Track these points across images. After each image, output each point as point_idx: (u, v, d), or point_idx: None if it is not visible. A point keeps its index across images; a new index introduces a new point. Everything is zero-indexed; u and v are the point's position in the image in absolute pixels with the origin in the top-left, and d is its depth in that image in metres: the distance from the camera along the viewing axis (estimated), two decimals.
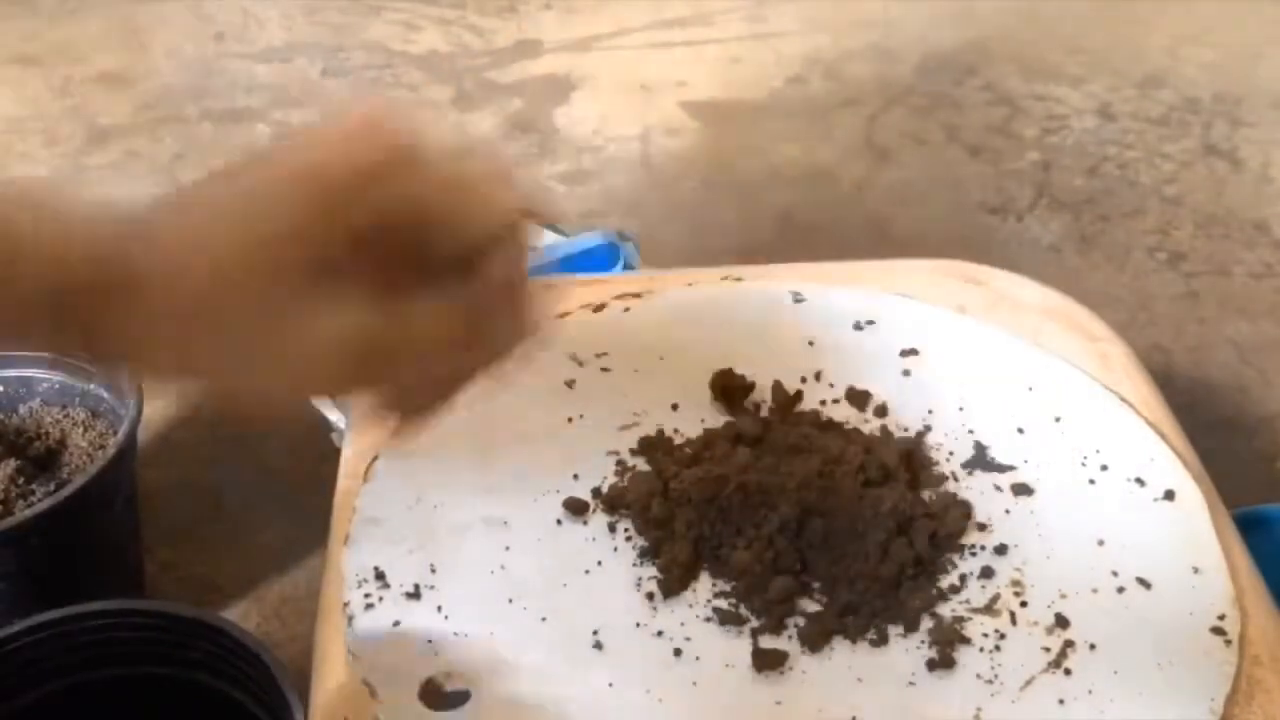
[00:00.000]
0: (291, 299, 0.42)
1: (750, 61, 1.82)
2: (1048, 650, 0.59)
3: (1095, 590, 0.62)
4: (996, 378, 0.75)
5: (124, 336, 0.43)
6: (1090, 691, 0.58)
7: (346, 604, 0.61)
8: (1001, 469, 0.69)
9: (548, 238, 1.19)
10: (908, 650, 0.60)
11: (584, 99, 1.73)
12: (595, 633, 0.60)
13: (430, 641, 0.59)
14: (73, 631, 0.78)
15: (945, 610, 0.61)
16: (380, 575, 0.62)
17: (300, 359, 0.43)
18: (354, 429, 0.74)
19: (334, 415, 1.07)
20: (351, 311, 0.43)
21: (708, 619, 0.61)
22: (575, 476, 0.68)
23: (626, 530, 0.65)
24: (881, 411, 0.73)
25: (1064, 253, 1.45)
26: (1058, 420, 0.72)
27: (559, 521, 0.66)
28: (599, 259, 1.12)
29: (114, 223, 0.43)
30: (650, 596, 0.62)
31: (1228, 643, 0.60)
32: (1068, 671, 0.58)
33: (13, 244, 0.41)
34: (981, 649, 0.60)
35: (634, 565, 0.63)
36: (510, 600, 0.61)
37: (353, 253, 0.42)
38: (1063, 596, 0.62)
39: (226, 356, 0.44)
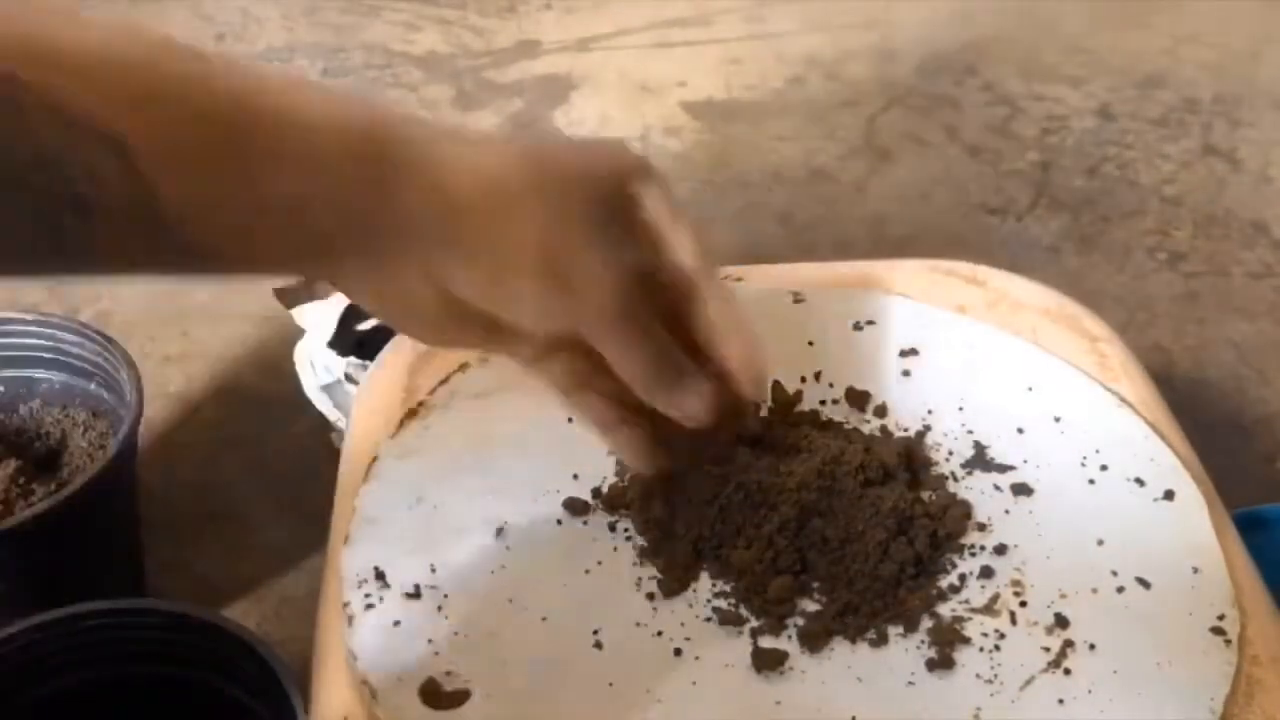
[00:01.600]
0: (575, 230, 0.47)
1: (750, 61, 1.82)
2: (1047, 650, 0.59)
3: (1095, 590, 0.62)
4: (996, 378, 0.75)
5: (379, 226, 0.46)
6: (1090, 691, 0.58)
7: (346, 604, 0.61)
8: (1001, 469, 0.69)
9: None
10: (907, 650, 0.60)
11: (584, 99, 1.73)
12: (595, 633, 0.60)
13: (430, 641, 0.59)
14: (73, 631, 0.78)
15: (945, 610, 0.61)
16: (380, 575, 0.62)
17: (580, 283, 0.47)
18: (354, 428, 0.74)
19: (334, 415, 1.07)
20: (627, 252, 0.49)
21: (708, 619, 0.61)
22: (575, 476, 0.68)
23: (626, 530, 0.65)
24: (881, 411, 0.73)
25: (1064, 253, 1.46)
26: (1057, 420, 0.72)
27: (559, 521, 0.66)
28: None
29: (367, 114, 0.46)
30: (650, 596, 0.62)
31: (1227, 643, 0.60)
32: (1067, 671, 0.59)
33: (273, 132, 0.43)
34: (981, 649, 0.60)
35: (634, 565, 0.64)
36: (510, 600, 0.61)
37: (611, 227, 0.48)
38: (1062, 596, 0.62)
39: (487, 270, 0.47)
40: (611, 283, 0.48)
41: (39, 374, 1.02)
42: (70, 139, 0.39)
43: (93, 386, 1.01)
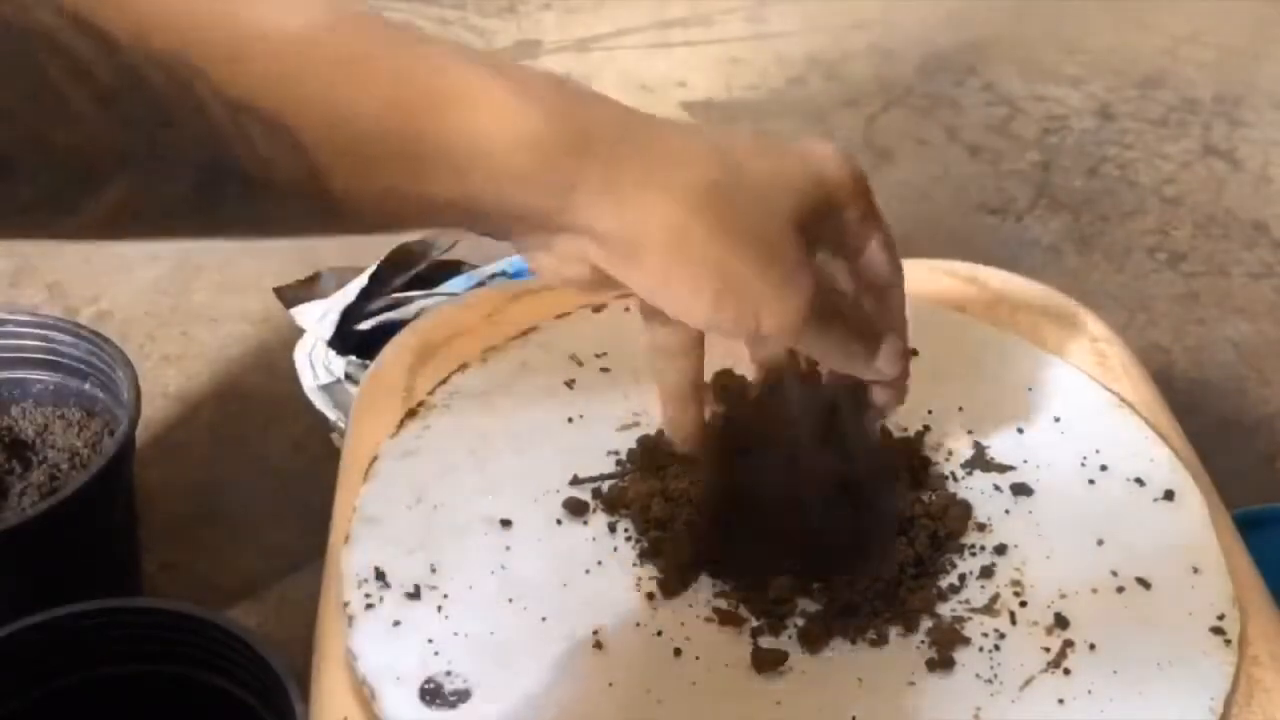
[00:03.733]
0: (762, 252, 0.48)
1: (750, 62, 1.82)
2: (1047, 650, 0.59)
3: (1095, 590, 0.62)
4: (996, 378, 0.75)
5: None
6: (1090, 691, 0.58)
7: (346, 604, 0.61)
8: (1001, 469, 0.69)
9: None
10: (907, 650, 0.60)
11: None
12: (595, 633, 0.60)
13: (430, 641, 0.59)
14: (73, 631, 0.78)
15: (945, 610, 0.61)
16: (380, 575, 0.62)
17: (759, 304, 0.48)
18: (354, 428, 0.74)
19: (334, 415, 1.07)
20: (809, 278, 0.49)
21: (708, 619, 0.61)
22: (575, 476, 0.68)
23: (626, 530, 0.65)
24: None
25: (1064, 253, 1.46)
26: (1057, 420, 0.72)
27: (559, 521, 0.66)
28: None
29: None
30: (650, 596, 0.62)
31: (1227, 643, 0.60)
32: (1067, 671, 0.58)
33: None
34: (981, 649, 0.60)
35: (634, 565, 0.63)
36: (510, 600, 0.61)
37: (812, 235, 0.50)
38: (1062, 596, 0.62)
39: (659, 275, 0.47)
40: (793, 309, 0.48)
41: (32, 375, 1.02)
42: (241, 125, 0.39)
43: (87, 386, 1.01)
